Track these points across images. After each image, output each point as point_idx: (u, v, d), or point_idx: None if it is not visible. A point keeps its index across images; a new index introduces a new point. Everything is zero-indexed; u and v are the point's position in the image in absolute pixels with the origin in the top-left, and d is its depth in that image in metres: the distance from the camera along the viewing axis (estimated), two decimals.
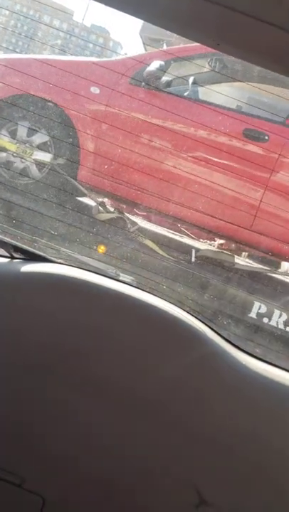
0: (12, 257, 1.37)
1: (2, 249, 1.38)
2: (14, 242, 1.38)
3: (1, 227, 3.61)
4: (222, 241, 4.54)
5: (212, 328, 1.29)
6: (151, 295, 1.31)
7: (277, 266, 4.43)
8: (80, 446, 1.28)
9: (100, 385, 1.26)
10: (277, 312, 3.71)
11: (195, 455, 1.24)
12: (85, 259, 3.69)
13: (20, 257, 1.38)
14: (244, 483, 1.22)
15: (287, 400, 1.23)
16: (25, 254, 1.38)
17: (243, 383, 1.23)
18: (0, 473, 1.27)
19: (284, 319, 3.70)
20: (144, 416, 1.25)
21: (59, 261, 1.38)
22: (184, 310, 1.30)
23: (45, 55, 4.92)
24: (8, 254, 1.37)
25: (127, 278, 3.60)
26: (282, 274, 4.28)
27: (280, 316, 3.73)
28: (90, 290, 1.29)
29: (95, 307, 1.29)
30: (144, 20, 1.11)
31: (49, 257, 1.38)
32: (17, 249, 1.37)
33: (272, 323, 3.73)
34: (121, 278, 3.39)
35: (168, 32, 1.04)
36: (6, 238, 1.39)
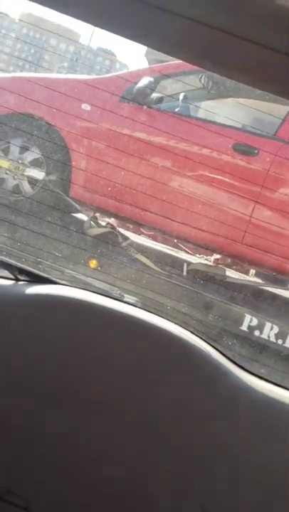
0: (17, 279, 1.38)
1: (7, 271, 1.39)
2: (19, 264, 1.39)
3: (5, 249, 3.65)
4: (218, 256, 4.56)
5: (217, 349, 1.29)
6: (156, 316, 1.31)
7: (270, 279, 4.43)
8: (80, 465, 1.28)
9: (104, 406, 1.26)
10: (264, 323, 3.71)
11: (198, 476, 1.24)
12: (89, 280, 3.71)
13: (25, 279, 1.38)
14: (250, 503, 1.22)
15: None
16: (29, 276, 1.39)
17: (247, 404, 1.24)
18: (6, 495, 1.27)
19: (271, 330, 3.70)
20: (146, 437, 1.25)
21: (63, 282, 1.39)
22: (189, 330, 1.31)
23: (36, 73, 4.98)
24: (13, 276, 1.39)
25: (132, 299, 3.62)
26: (273, 287, 4.27)
27: (271, 328, 3.73)
28: (94, 311, 1.30)
29: (98, 328, 1.30)
30: (128, 38, 1.13)
31: (54, 279, 1.39)
32: (22, 271, 1.39)
33: (264, 335, 3.72)
34: (125, 299, 3.41)
35: None
36: (10, 260, 1.40)
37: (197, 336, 1.28)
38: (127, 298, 3.45)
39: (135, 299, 3.57)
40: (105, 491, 1.26)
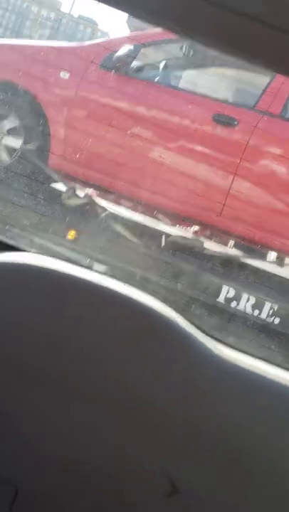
0: None
1: None
2: None
3: None
4: (197, 227, 4.56)
5: (187, 319, 1.28)
6: (125, 285, 1.29)
7: (250, 252, 4.45)
8: (52, 434, 1.26)
9: (70, 376, 1.25)
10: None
11: (168, 445, 1.24)
12: (58, 249, 3.69)
13: None
14: (218, 469, 1.22)
15: (260, 388, 1.23)
16: None
17: (217, 372, 1.23)
18: None
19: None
20: (118, 406, 1.24)
21: (32, 250, 1.37)
22: (157, 299, 1.29)
23: (14, 40, 4.89)
24: None
25: (101, 268, 3.61)
26: (252, 259, 4.29)
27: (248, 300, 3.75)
28: (61, 279, 1.27)
29: (65, 296, 1.27)
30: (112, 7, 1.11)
31: (20, 247, 1.36)
32: None
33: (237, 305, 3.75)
34: (94, 268, 3.41)
35: None
36: None
37: (166, 305, 1.28)
38: (97, 267, 3.45)
39: (105, 267, 3.57)
40: (75, 459, 1.25)
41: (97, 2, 1.00)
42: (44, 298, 1.26)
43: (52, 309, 1.26)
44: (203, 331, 1.26)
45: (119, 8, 1.00)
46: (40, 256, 1.31)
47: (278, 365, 1.28)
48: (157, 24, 1.05)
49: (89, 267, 2.40)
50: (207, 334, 1.27)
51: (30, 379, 1.24)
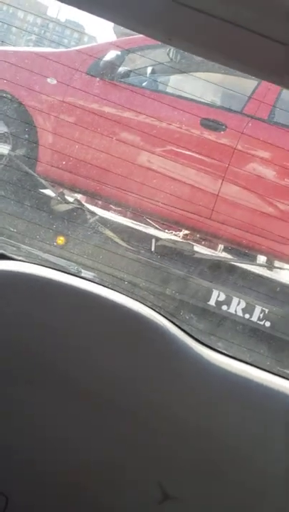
0: None
1: None
2: None
3: None
4: (186, 231, 4.57)
5: (174, 323, 1.28)
6: (114, 291, 1.29)
7: (240, 255, 4.46)
8: (43, 443, 1.26)
9: (61, 383, 1.24)
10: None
11: (158, 450, 1.24)
12: (46, 256, 3.68)
13: None
14: (208, 476, 1.22)
15: (248, 393, 1.23)
16: None
17: (205, 377, 1.23)
18: None
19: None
20: (106, 412, 1.24)
21: (19, 258, 1.36)
22: (146, 305, 1.29)
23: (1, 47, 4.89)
24: None
25: (89, 274, 3.61)
26: (242, 263, 4.30)
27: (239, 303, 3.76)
28: (50, 287, 1.27)
29: (54, 304, 1.27)
30: (93, 14, 1.11)
31: (9, 255, 1.35)
32: None
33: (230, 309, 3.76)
34: (83, 274, 3.40)
35: None
36: None
37: (155, 310, 1.27)
38: (85, 273, 3.44)
39: (93, 274, 3.56)
40: (66, 467, 1.25)
41: (87, 13, 1.00)
42: (32, 306, 1.26)
43: (40, 317, 1.26)
44: (191, 336, 1.27)
45: (106, 18, 1.01)
46: (28, 264, 1.31)
47: (267, 370, 1.28)
48: (143, 32, 1.06)
49: (78, 273, 2.40)
50: (195, 339, 1.27)
51: (17, 386, 1.24)
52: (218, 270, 3.99)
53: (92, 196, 4.44)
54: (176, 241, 4.19)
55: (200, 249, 4.30)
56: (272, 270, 4.55)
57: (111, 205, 4.68)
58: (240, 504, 1.23)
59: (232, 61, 1.00)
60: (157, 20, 0.94)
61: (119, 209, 4.68)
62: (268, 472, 1.21)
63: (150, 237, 4.08)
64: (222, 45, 0.93)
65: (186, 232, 4.55)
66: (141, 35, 4.09)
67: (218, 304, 3.78)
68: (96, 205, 4.53)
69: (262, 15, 0.82)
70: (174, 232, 4.58)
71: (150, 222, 4.48)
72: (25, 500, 1.27)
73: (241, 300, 3.76)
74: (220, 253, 4.75)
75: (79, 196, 4.27)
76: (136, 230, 4.25)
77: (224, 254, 4.69)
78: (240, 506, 1.23)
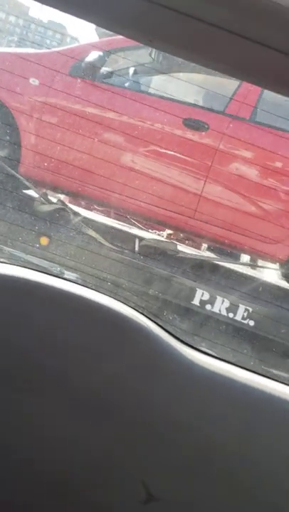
0: None
1: None
2: None
3: None
4: (170, 231, 4.58)
5: (158, 324, 1.27)
6: (97, 292, 1.28)
7: (223, 254, 4.48)
8: (28, 443, 1.26)
9: (45, 383, 1.24)
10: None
11: (143, 451, 1.24)
12: (28, 257, 3.67)
13: None
14: (194, 476, 1.22)
15: (232, 393, 1.23)
16: None
17: (189, 377, 1.23)
18: None
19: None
20: (89, 413, 1.24)
21: (1, 260, 1.35)
22: (129, 306, 1.28)
23: None
24: None
25: (72, 275, 3.60)
26: (225, 262, 4.32)
27: (223, 302, 3.78)
28: (32, 289, 1.26)
29: (37, 306, 1.26)
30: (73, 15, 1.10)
31: None
32: None
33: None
34: (65, 276, 3.39)
35: None
36: None
37: (138, 311, 1.28)
38: (68, 275, 3.44)
39: (76, 275, 3.56)
40: (51, 467, 1.25)
41: (70, 15, 1.00)
42: (14, 308, 1.26)
43: (22, 319, 1.25)
44: (175, 337, 1.27)
45: (86, 19, 1.01)
46: (10, 266, 1.31)
47: (251, 370, 1.28)
48: (123, 34, 1.06)
49: (60, 275, 2.39)
50: (179, 339, 1.27)
51: (6, 384, 1.24)
52: (201, 269, 4.01)
53: (76, 197, 4.44)
54: (160, 241, 4.20)
55: (184, 248, 4.31)
56: (255, 269, 4.58)
57: (94, 206, 4.68)
58: (227, 502, 1.23)
59: (212, 62, 1.00)
60: (138, 22, 0.94)
61: (103, 209, 4.68)
62: (253, 470, 1.21)
63: (134, 237, 4.08)
64: (203, 46, 0.93)
65: (170, 231, 4.57)
66: (122, 36, 4.11)
67: (202, 303, 3.79)
68: (79, 205, 4.52)
69: (242, 15, 0.83)
70: (157, 232, 4.59)
71: (134, 222, 4.49)
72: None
73: (225, 299, 3.78)
74: (204, 252, 4.77)
75: (62, 197, 4.26)
76: (119, 230, 4.25)
77: (208, 254, 4.71)
78: (226, 504, 1.24)
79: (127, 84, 4.18)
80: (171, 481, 1.23)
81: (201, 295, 3.79)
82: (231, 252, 4.45)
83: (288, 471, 1.21)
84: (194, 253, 4.41)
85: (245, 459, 1.22)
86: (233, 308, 3.75)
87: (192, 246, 4.68)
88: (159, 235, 4.53)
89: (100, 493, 1.26)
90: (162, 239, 4.35)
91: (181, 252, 4.09)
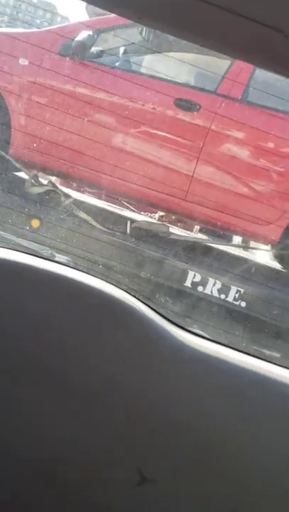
0: None
1: None
2: None
3: None
4: (162, 213, 4.56)
5: (150, 306, 1.26)
6: (88, 275, 1.27)
7: (215, 236, 4.47)
8: (17, 429, 1.25)
9: (36, 369, 1.23)
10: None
11: (136, 435, 1.23)
12: (19, 240, 3.65)
13: None
14: (186, 459, 1.22)
15: (224, 374, 1.23)
16: None
17: (182, 359, 1.23)
18: None
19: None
20: (82, 397, 1.23)
21: None
22: (121, 289, 1.27)
23: None
24: None
25: (63, 258, 3.58)
26: (217, 243, 4.31)
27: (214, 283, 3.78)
28: (23, 271, 1.25)
29: (27, 289, 1.25)
30: None
31: None
32: None
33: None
34: (56, 258, 3.38)
35: None
36: None
37: (131, 294, 1.26)
38: (59, 257, 3.42)
39: (67, 258, 3.55)
40: (41, 453, 1.24)
41: None
42: (4, 291, 1.24)
43: (13, 302, 1.24)
44: (167, 319, 1.26)
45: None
46: (0, 249, 1.29)
47: (243, 351, 1.28)
48: (113, 11, 1.03)
49: (51, 258, 2.37)
50: (171, 322, 1.26)
51: None
52: (193, 251, 3.99)
53: (67, 178, 4.40)
54: (152, 223, 4.17)
55: (175, 230, 4.29)
56: (247, 251, 4.57)
57: (86, 187, 4.64)
58: (220, 487, 1.23)
59: (202, 39, 0.98)
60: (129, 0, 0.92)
61: (94, 191, 4.65)
62: (245, 453, 1.21)
63: (125, 219, 4.06)
64: (192, 23, 0.92)
65: (162, 213, 4.54)
66: (113, 15, 4.06)
67: (194, 285, 3.79)
68: (71, 187, 4.49)
69: None
70: (149, 214, 4.57)
71: (125, 204, 4.46)
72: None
73: (217, 281, 3.77)
74: (196, 234, 4.75)
75: (53, 179, 4.23)
76: (111, 212, 4.23)
77: (200, 236, 4.69)
78: (219, 490, 1.23)
79: (117, 64, 4.13)
80: (165, 465, 1.23)
81: (192, 277, 3.79)
82: (223, 234, 4.43)
83: (279, 452, 1.21)
84: (186, 235, 4.39)
85: (238, 442, 1.21)
86: (224, 289, 3.75)
87: (184, 228, 4.66)
88: (150, 217, 4.50)
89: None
90: (154, 221, 4.33)
91: (173, 234, 4.07)
